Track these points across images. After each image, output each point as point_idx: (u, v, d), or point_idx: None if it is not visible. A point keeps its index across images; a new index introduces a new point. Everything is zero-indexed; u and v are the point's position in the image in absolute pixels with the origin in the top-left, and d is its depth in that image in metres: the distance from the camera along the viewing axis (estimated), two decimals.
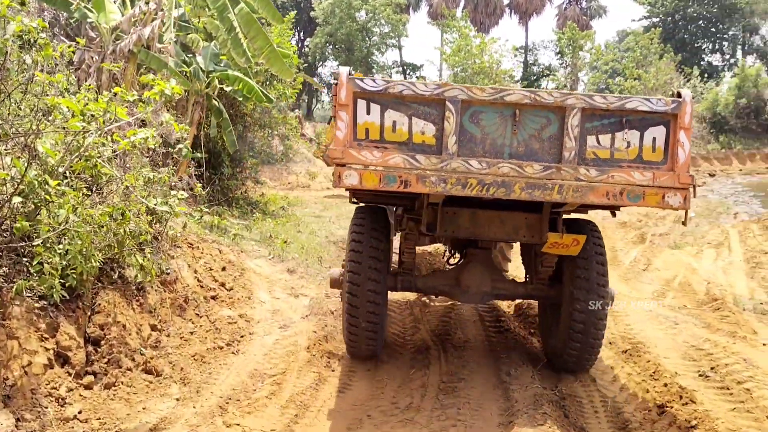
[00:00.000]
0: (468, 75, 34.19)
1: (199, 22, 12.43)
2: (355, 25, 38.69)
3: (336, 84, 4.65)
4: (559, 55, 45.90)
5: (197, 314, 6.68)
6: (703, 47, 52.81)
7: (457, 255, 7.41)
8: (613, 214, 5.77)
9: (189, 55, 12.07)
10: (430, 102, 4.57)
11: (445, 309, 7.86)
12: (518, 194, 4.49)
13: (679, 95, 4.63)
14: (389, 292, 5.89)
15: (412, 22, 70.41)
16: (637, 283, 9.46)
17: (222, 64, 12.29)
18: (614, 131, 4.60)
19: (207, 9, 11.87)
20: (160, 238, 6.89)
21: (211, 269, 8.10)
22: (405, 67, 46.14)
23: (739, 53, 54.34)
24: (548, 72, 45.56)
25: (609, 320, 7.18)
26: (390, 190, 4.60)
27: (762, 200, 21.45)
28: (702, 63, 49.82)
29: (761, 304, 8.24)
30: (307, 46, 37.63)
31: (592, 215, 6.22)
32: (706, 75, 45.00)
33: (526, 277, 6.51)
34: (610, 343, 6.39)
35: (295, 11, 17.79)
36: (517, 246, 8.33)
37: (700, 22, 50.59)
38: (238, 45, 10.75)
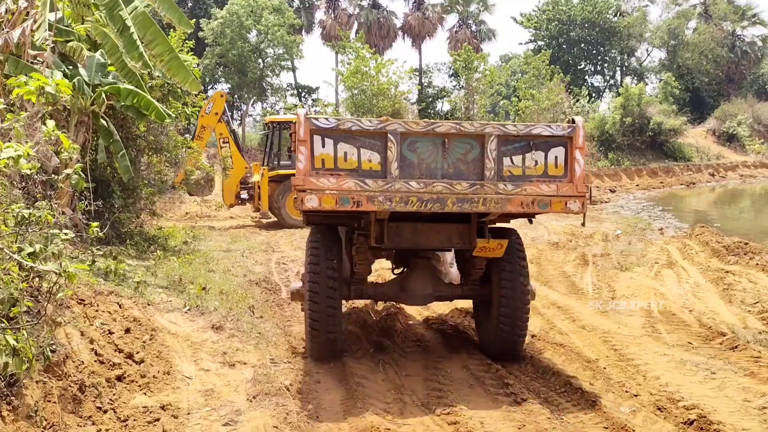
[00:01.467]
0: (367, 96, 33.30)
1: (82, 26, 10.29)
2: (247, 46, 36.69)
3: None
4: (453, 77, 45.94)
5: (99, 408, 4.77)
6: (586, 69, 55.12)
7: (401, 267, 7.70)
8: (530, 221, 6.69)
9: (70, 67, 9.87)
10: (375, 135, 5.37)
11: (425, 369, 6.25)
12: (450, 208, 5.36)
13: (573, 121, 5.52)
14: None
15: (306, 44, 69.07)
16: (616, 315, 8.35)
17: (110, 77, 10.20)
18: (524, 153, 5.50)
19: (92, 9, 9.79)
20: (40, 298, 4.94)
21: (111, 333, 6.16)
22: (300, 90, 44.49)
23: (618, 74, 57.27)
24: (444, 93, 45.36)
25: (638, 376, 5.92)
26: (344, 209, 5.36)
27: (674, 214, 21.65)
28: (585, 84, 51.87)
29: (760, 333, 7.34)
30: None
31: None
32: (592, 95, 46.66)
33: (461, 281, 7.12)
34: (659, 409, 5.03)
35: (194, 20, 15.81)
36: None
37: (582, 45, 52.78)
38: (134, 47, 8.81)
